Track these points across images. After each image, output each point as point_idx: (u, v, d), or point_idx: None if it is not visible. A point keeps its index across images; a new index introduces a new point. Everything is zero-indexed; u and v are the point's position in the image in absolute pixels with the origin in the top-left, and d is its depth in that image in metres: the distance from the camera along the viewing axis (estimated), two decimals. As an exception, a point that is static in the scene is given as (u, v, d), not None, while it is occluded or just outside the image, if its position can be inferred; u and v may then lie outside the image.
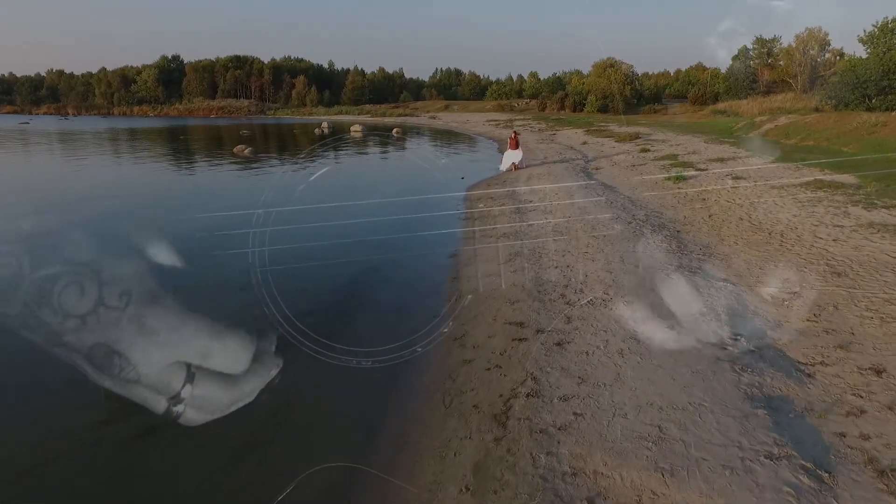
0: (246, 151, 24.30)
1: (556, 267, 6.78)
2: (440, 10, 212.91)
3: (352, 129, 43.24)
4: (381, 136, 37.88)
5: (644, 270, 6.31)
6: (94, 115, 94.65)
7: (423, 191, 12.77)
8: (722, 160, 15.86)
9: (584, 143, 25.24)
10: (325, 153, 27.39)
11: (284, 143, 35.37)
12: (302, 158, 24.45)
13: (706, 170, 14.37)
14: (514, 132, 18.39)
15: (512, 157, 17.26)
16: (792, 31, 48.34)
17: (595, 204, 10.41)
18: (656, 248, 7.22)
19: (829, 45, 50.52)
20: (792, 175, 12.67)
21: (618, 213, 9.70)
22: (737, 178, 12.82)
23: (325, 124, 49.39)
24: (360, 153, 26.71)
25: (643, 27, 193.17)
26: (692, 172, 14.09)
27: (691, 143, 22.17)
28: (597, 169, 16.64)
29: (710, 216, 9.43)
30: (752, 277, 6.04)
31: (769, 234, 7.85)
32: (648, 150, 20.29)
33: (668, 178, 13.34)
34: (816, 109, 34.58)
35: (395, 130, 39.13)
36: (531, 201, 11.13)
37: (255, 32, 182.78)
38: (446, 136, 39.57)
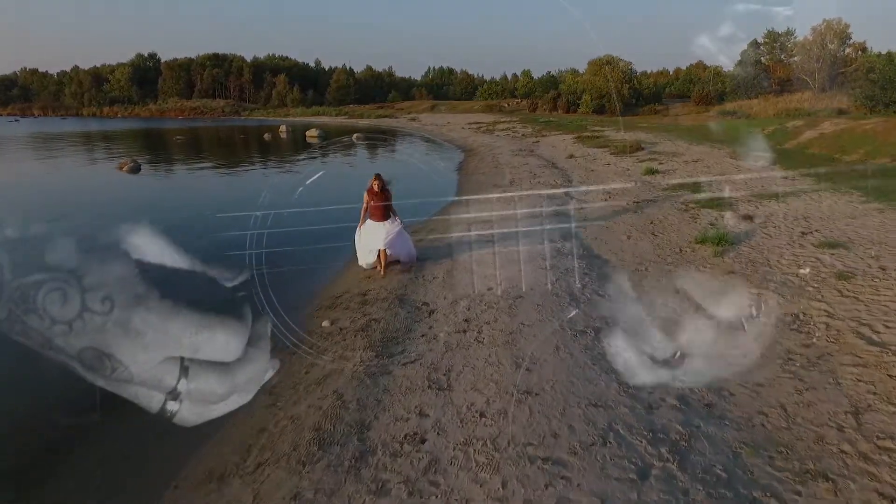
0: (125, 168, 18.55)
1: None
2: (437, 7, 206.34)
3: (307, 133, 37.45)
4: (338, 142, 31.98)
5: None
6: (62, 115, 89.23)
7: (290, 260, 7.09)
8: (781, 199, 9.93)
9: (571, 156, 19.36)
10: (246, 168, 21.56)
11: (212, 154, 29.39)
12: (201, 176, 18.72)
13: (764, 224, 8.44)
14: (376, 178, 7.09)
15: (376, 235, 7.13)
16: (808, 23, 42.72)
17: (556, 346, 4.55)
18: None
19: (851, 38, 45.01)
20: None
21: (601, 392, 3.85)
22: (832, 245, 6.94)
23: (283, 128, 43.38)
24: (284, 168, 20.87)
25: (643, 25, 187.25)
26: (739, 226, 8.23)
27: (714, 160, 16.23)
28: (580, 210, 10.67)
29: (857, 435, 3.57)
30: None
31: None
32: (656, 172, 14.43)
33: (702, 242, 7.45)
34: (840, 111, 29.08)
35: (355, 136, 33.38)
36: (431, 332, 5.19)
37: (243, 29, 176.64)
38: (408, 143, 33.89)
